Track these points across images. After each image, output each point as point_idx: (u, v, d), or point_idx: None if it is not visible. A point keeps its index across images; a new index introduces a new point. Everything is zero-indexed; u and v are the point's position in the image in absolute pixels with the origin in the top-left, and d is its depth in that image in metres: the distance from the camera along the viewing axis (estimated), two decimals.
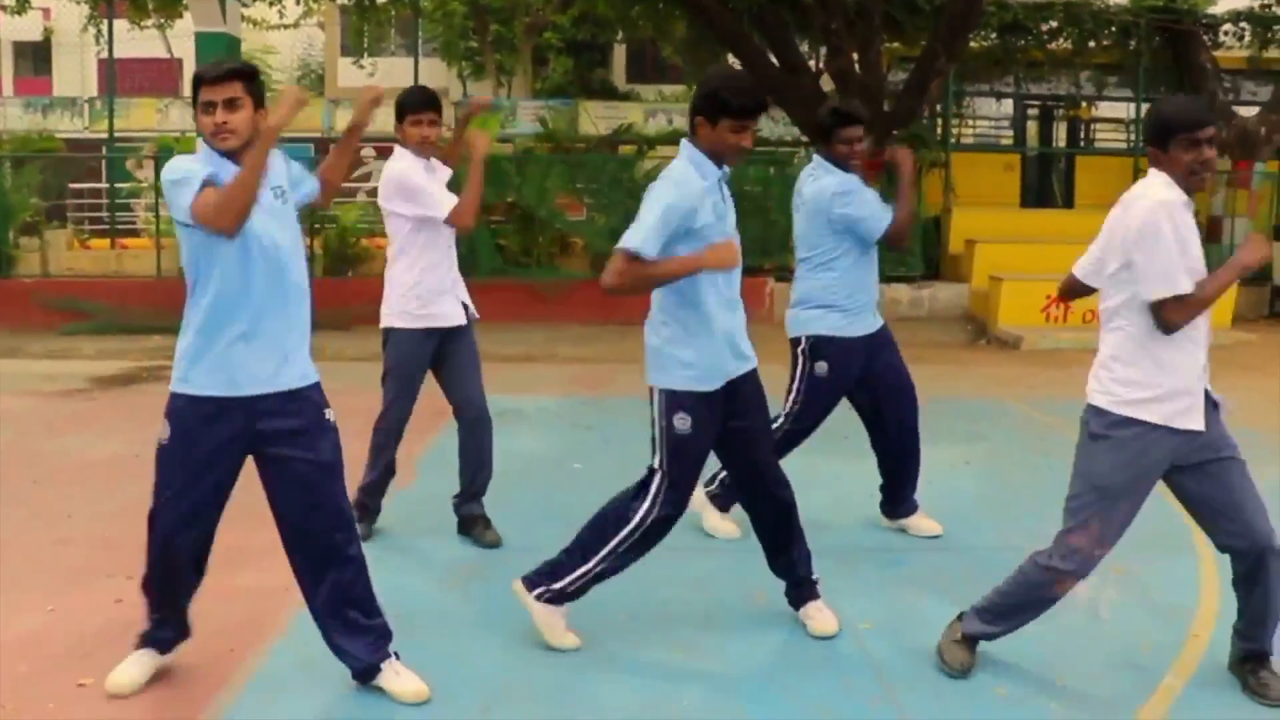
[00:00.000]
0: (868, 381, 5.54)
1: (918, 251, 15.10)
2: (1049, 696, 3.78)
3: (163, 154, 19.38)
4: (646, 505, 4.07)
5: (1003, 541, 5.41)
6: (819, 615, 4.35)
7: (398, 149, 5.33)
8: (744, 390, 4.15)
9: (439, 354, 5.37)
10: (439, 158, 5.48)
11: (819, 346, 5.37)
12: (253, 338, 3.60)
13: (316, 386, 3.77)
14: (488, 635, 4.27)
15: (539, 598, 4.13)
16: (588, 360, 11.23)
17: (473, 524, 5.47)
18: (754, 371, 4.21)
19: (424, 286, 5.29)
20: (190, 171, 3.52)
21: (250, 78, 3.60)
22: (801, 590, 4.42)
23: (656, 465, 4.10)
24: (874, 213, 5.36)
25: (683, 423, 4.03)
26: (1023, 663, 4.05)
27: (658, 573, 4.82)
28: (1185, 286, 3.55)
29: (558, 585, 4.11)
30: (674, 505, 4.11)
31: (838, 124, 5.36)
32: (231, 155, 3.56)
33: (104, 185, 19.83)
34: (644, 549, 4.15)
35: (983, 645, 4.04)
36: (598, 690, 3.85)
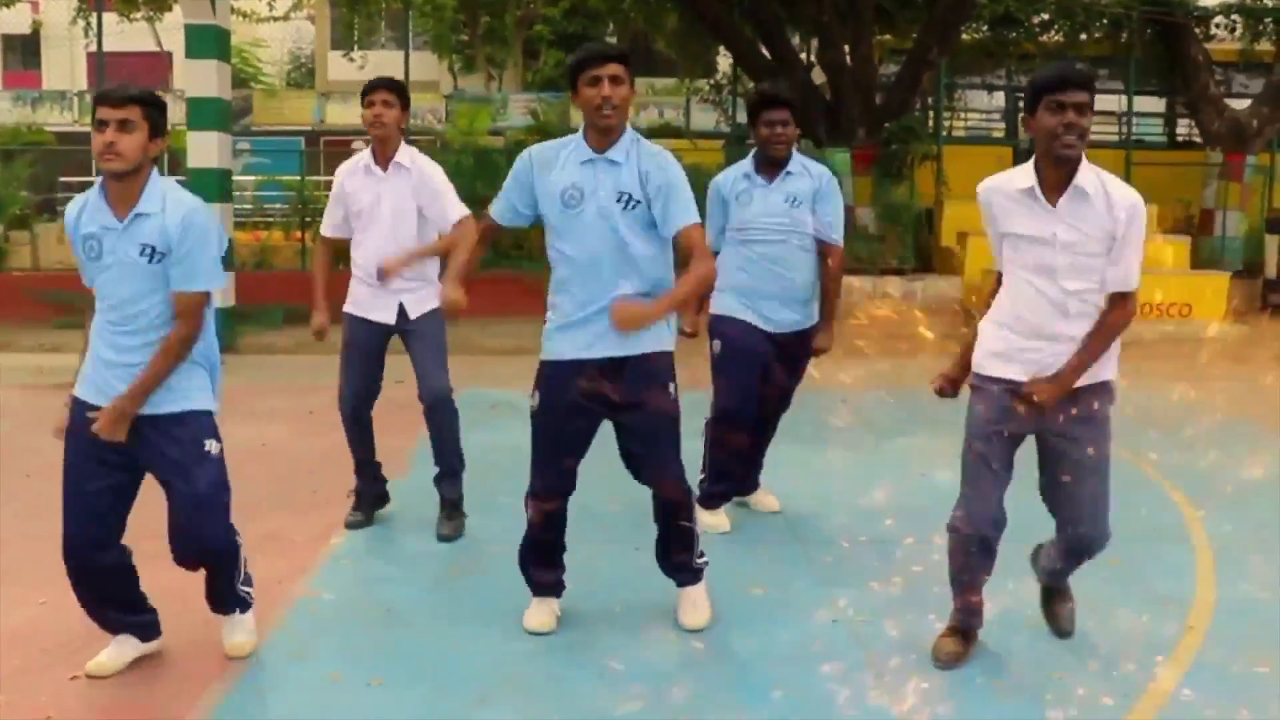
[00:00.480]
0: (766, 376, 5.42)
1: (910, 244, 15.11)
2: (1044, 688, 3.76)
3: None
4: None
5: None
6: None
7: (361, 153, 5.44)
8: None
9: (405, 342, 5.40)
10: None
11: (712, 325, 5.36)
12: (113, 365, 3.65)
13: (186, 416, 3.69)
14: (484, 628, 4.25)
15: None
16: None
17: (441, 507, 5.50)
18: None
19: (355, 280, 5.38)
20: (67, 223, 3.69)
21: (152, 104, 3.55)
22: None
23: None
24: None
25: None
26: (1018, 655, 4.05)
27: (653, 566, 4.81)
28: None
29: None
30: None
31: (760, 106, 5.23)
32: (114, 177, 3.53)
33: (94, 179, 19.70)
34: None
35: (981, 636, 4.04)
36: (594, 682, 3.83)
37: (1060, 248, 3.65)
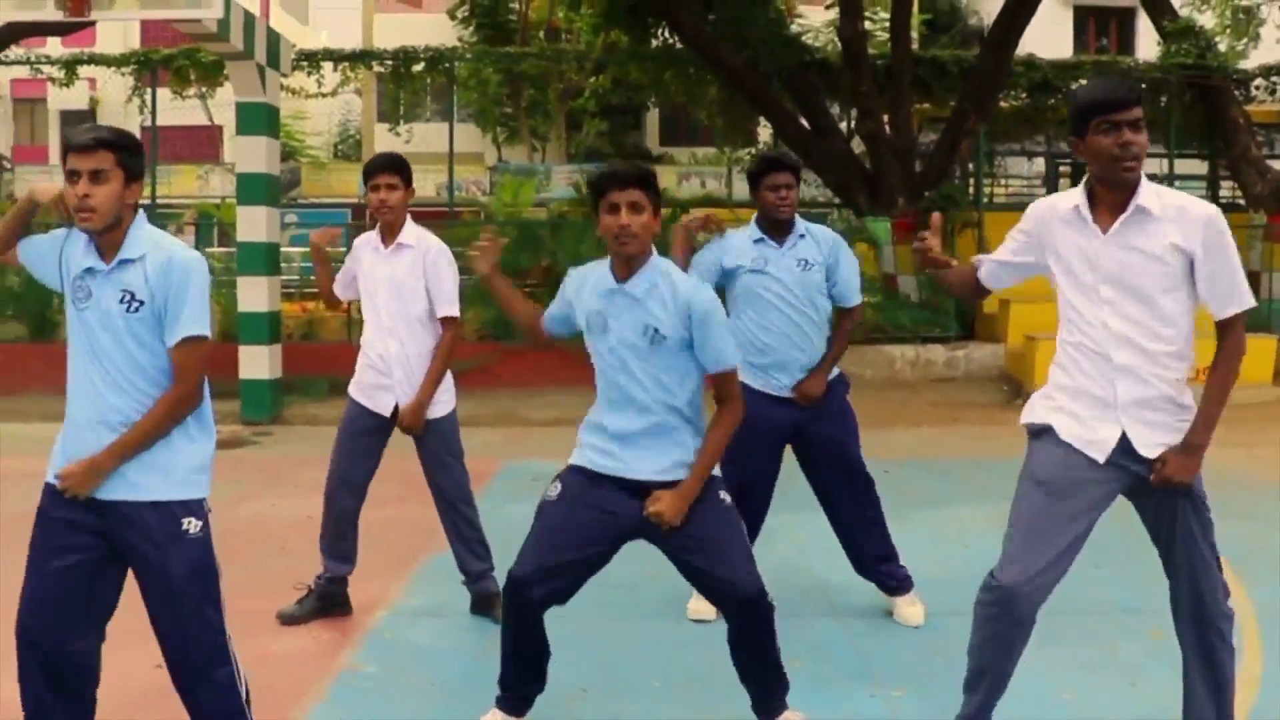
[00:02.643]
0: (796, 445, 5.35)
1: (952, 312, 15.12)
2: None
3: (203, 220, 19.76)
4: None
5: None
6: None
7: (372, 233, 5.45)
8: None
9: (417, 444, 5.35)
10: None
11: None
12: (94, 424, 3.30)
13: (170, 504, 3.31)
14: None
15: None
16: None
17: (488, 604, 5.32)
18: None
19: (361, 363, 5.36)
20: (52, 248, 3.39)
21: (124, 148, 3.25)
22: None
23: None
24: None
25: None
26: None
27: (689, 640, 4.85)
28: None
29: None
30: None
31: (762, 171, 5.21)
32: (96, 235, 3.24)
33: None
34: None
35: (1013, 707, 4.02)
36: None
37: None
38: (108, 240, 3.27)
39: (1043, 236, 3.55)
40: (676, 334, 3.74)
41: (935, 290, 15.32)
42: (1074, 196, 3.47)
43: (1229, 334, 3.47)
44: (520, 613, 3.82)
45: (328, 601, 5.34)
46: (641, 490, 3.77)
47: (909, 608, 5.34)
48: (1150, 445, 3.42)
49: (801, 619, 5.29)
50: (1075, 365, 3.48)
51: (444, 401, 5.29)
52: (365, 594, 5.59)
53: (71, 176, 3.21)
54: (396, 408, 5.24)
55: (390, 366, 5.22)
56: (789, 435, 5.27)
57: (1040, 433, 3.54)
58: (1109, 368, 3.41)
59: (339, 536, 5.34)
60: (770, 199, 5.17)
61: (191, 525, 3.32)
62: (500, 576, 5.47)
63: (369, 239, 5.39)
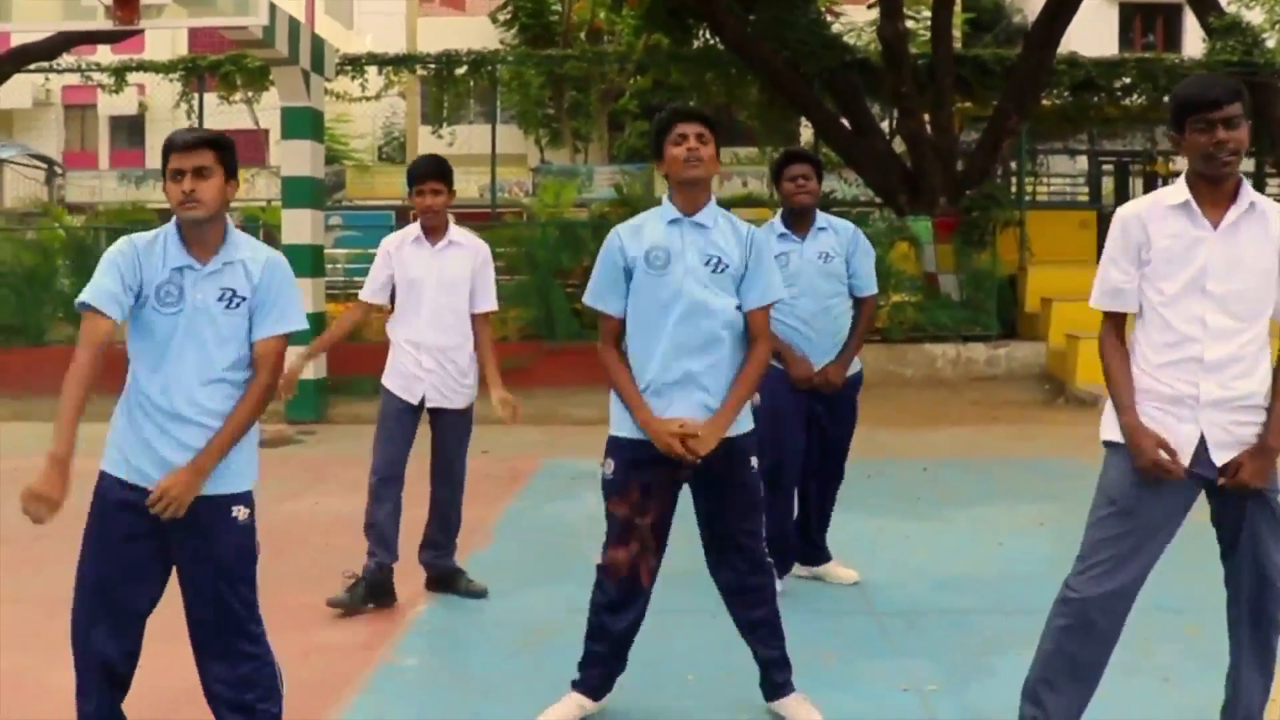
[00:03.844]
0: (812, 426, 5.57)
1: (994, 311, 15.08)
2: None
3: (248, 222, 20.00)
4: None
5: None
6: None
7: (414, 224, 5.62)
8: None
9: (431, 424, 5.59)
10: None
11: None
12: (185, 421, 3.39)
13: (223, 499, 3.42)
14: (560, 695, 4.34)
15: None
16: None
17: (454, 579, 5.68)
18: None
19: (397, 353, 5.57)
20: (109, 261, 3.39)
21: (223, 147, 3.43)
22: None
23: None
24: None
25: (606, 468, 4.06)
26: None
27: (725, 635, 4.88)
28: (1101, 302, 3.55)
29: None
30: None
31: (784, 163, 5.54)
32: (194, 225, 3.38)
33: None
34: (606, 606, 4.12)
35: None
36: None
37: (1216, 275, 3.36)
38: (209, 237, 3.41)
39: (1139, 239, 3.46)
40: (737, 266, 3.95)
41: (975, 288, 15.30)
42: (1180, 192, 3.42)
43: None
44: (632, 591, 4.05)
45: (377, 590, 5.49)
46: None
47: (838, 569, 5.82)
48: (1225, 447, 3.40)
49: (839, 616, 5.34)
50: (1160, 365, 3.42)
51: (470, 391, 5.59)
52: (406, 589, 5.68)
53: (176, 175, 3.36)
54: (423, 398, 5.49)
55: (424, 357, 5.45)
56: (810, 419, 5.51)
57: (1118, 444, 3.48)
58: (1198, 367, 3.37)
59: (384, 525, 5.50)
60: (789, 188, 5.46)
61: (240, 513, 3.44)
62: (546, 572, 5.58)
63: (403, 238, 5.58)
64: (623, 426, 4.00)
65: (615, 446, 4.02)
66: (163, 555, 3.43)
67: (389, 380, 5.56)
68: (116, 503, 3.39)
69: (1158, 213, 3.42)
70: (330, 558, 6.21)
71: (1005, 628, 5.09)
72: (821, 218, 5.55)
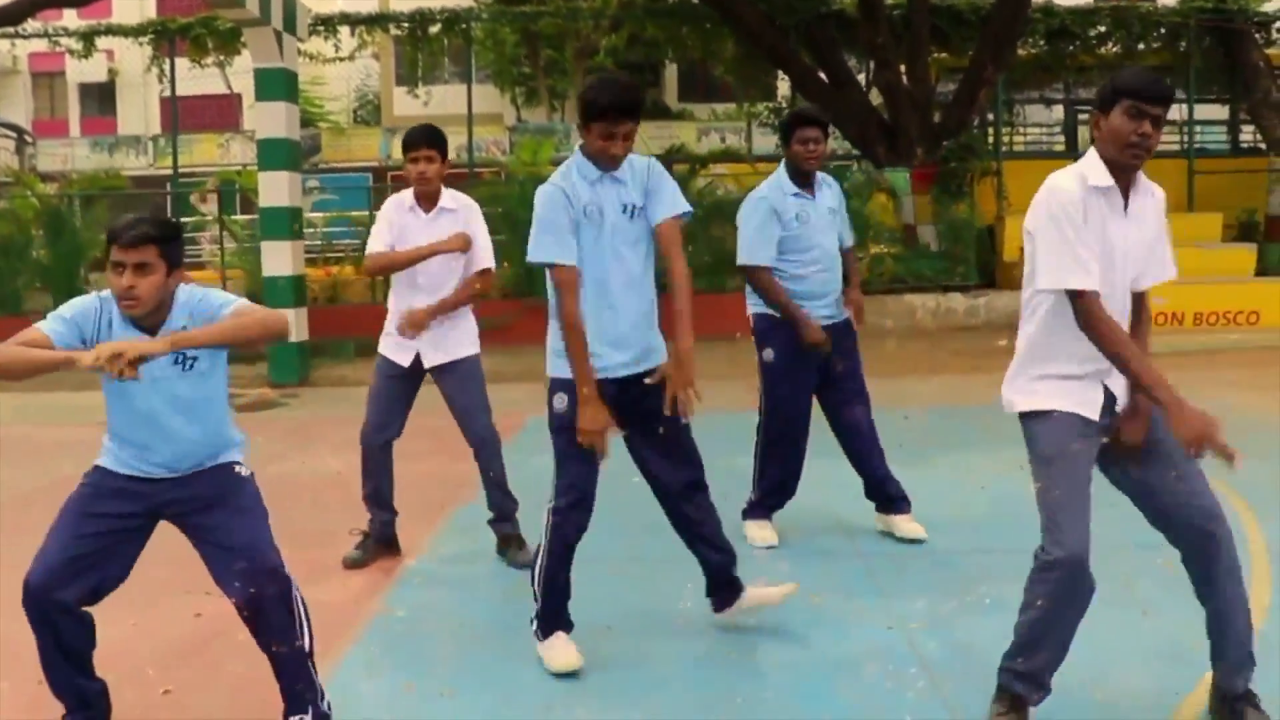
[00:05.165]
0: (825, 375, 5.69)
1: (972, 260, 15.15)
2: (1093, 688, 3.85)
3: (225, 187, 19.92)
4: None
5: None
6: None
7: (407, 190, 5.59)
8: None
9: (439, 385, 5.57)
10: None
11: (763, 331, 5.61)
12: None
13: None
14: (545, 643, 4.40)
15: (536, 635, 4.23)
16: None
17: (506, 543, 5.59)
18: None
19: (389, 324, 5.56)
20: (76, 310, 3.47)
21: (167, 240, 3.41)
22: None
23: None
24: (746, 236, 5.53)
25: (560, 402, 4.10)
26: (1068, 659, 4.12)
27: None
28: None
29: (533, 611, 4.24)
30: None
31: (794, 125, 5.57)
32: (140, 320, 3.43)
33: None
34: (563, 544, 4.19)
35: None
36: (655, 690, 3.98)
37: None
38: (150, 321, 3.44)
39: (1079, 220, 3.46)
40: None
41: (954, 239, 15.36)
42: (1098, 174, 3.45)
43: (1147, 302, 3.67)
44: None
45: (385, 544, 5.59)
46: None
47: (909, 524, 5.72)
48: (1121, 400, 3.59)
49: (827, 558, 5.42)
50: (1074, 341, 3.50)
51: (471, 341, 5.58)
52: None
53: (116, 267, 3.37)
54: (418, 358, 5.47)
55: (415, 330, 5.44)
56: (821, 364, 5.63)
57: (1035, 413, 3.59)
58: None
59: (378, 485, 5.57)
60: (800, 151, 5.52)
61: (243, 469, 3.71)
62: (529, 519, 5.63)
63: (401, 201, 5.54)
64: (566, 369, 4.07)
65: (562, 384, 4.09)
66: (139, 541, 3.61)
67: (383, 346, 5.56)
68: (113, 488, 3.55)
69: (1088, 194, 3.46)
70: (319, 516, 6.27)
71: (988, 566, 5.17)
72: (818, 175, 5.69)
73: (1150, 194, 3.57)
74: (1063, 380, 3.58)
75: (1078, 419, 3.53)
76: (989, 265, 15.80)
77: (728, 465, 6.47)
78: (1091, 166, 3.48)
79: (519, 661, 4.24)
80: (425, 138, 5.44)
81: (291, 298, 11.98)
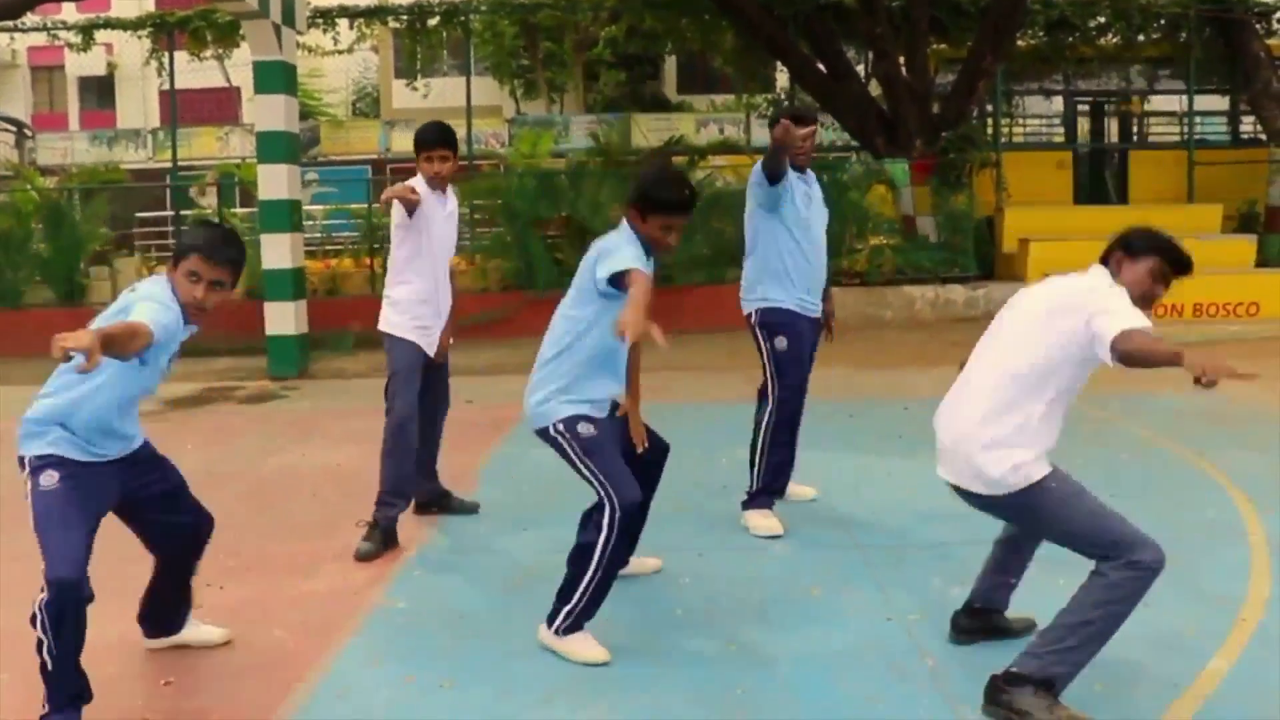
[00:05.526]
0: None
1: (971, 252, 15.13)
2: (1094, 678, 3.84)
3: (224, 180, 19.91)
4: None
5: None
6: None
7: (417, 177, 5.68)
8: None
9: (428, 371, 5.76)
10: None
11: (771, 320, 5.68)
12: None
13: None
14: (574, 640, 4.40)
15: (559, 631, 4.24)
16: (645, 369, 11.37)
17: (446, 500, 6.03)
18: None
19: (409, 302, 5.69)
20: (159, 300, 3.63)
21: (242, 265, 3.76)
22: None
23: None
24: (757, 198, 5.65)
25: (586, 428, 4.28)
26: None
27: (712, 571, 4.98)
28: None
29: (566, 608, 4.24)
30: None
31: (792, 123, 5.60)
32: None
33: (169, 213, 20.34)
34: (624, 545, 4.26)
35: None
36: (655, 681, 3.99)
37: None
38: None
39: None
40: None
41: (953, 230, 15.35)
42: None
43: None
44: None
45: (391, 536, 5.61)
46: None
47: (798, 487, 6.07)
48: None
49: (824, 550, 5.42)
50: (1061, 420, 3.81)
51: None
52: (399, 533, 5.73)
53: (192, 276, 3.64)
54: (436, 349, 5.73)
55: (437, 303, 5.69)
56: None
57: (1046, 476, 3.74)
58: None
59: (411, 469, 5.69)
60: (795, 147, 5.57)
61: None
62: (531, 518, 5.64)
63: (420, 182, 5.64)
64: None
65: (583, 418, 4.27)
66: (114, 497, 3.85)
67: (407, 331, 5.65)
68: (81, 462, 3.72)
69: None
70: (318, 508, 6.26)
71: (985, 557, 5.17)
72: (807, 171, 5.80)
73: None
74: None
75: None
76: (988, 256, 15.79)
77: (729, 457, 6.50)
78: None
79: (519, 654, 4.25)
80: (441, 138, 5.61)
81: (291, 290, 11.97)
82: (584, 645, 4.21)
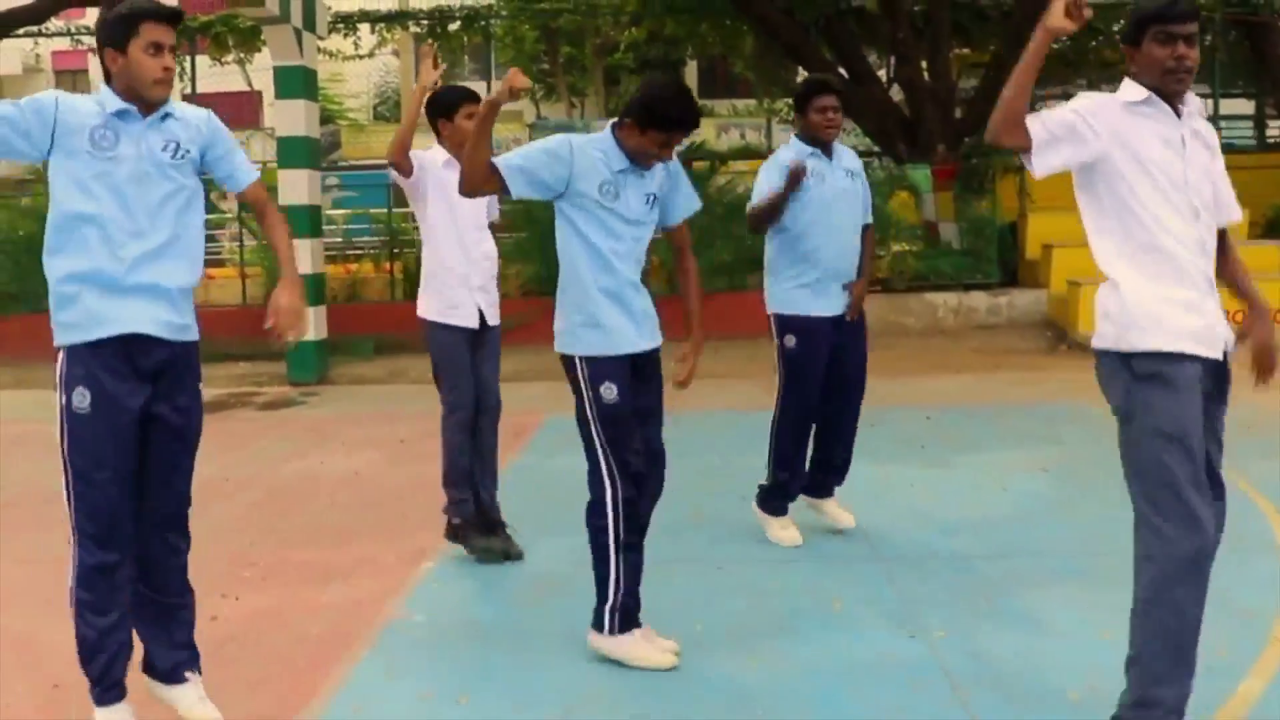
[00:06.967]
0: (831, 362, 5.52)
1: (994, 258, 15.03)
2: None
3: None
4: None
5: (1079, 547, 5.41)
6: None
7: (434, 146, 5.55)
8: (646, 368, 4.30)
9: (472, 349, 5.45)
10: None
11: (782, 320, 5.49)
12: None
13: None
14: (567, 646, 4.35)
15: (611, 631, 4.19)
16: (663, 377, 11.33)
17: (494, 531, 5.52)
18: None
19: (445, 282, 5.42)
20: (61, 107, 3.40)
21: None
22: None
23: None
24: (757, 186, 5.46)
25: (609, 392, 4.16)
26: (1096, 666, 4.05)
27: (732, 583, 4.92)
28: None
29: (608, 605, 4.18)
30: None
31: (811, 93, 5.49)
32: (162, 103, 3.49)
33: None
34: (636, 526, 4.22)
35: (1054, 646, 4.06)
36: (675, 696, 3.94)
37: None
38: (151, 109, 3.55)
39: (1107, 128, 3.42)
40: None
41: (976, 236, 15.24)
42: (1133, 91, 3.41)
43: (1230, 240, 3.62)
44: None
45: (472, 526, 5.45)
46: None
47: (838, 509, 5.72)
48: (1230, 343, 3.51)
49: (846, 563, 5.35)
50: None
51: None
52: (412, 546, 5.70)
53: (155, 48, 3.38)
54: (481, 314, 5.38)
55: (471, 274, 5.35)
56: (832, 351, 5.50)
57: (1153, 375, 3.33)
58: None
59: (469, 462, 5.42)
60: (817, 120, 5.44)
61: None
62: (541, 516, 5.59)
63: (435, 156, 5.50)
64: (601, 344, 4.16)
65: (607, 365, 4.15)
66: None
67: (439, 314, 5.36)
68: (111, 372, 3.46)
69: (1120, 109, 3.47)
70: (337, 515, 6.23)
71: (1011, 571, 5.11)
72: (835, 143, 5.56)
73: (1202, 117, 3.48)
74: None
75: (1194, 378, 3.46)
76: (1011, 263, 15.67)
77: (745, 464, 6.44)
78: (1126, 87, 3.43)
79: (537, 666, 4.20)
80: (468, 95, 5.67)
81: (311, 296, 11.97)
82: (644, 649, 4.15)
